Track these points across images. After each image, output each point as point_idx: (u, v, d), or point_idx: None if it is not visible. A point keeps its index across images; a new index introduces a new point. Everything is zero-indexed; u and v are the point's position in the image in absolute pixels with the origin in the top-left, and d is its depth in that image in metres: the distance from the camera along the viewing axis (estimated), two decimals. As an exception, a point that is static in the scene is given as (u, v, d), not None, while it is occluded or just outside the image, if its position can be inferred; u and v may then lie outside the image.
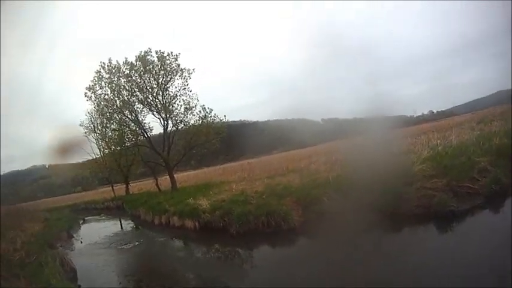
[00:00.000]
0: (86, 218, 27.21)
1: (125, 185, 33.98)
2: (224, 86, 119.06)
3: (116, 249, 12.93)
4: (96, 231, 19.26)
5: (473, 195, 9.01)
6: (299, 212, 10.36)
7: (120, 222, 22.14)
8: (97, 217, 27.86)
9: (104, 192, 40.59)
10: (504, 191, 8.92)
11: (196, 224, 12.75)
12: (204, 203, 13.32)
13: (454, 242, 7.28)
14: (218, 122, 21.80)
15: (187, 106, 21.31)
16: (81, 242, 15.71)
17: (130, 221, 21.28)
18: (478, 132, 15.10)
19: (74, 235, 18.25)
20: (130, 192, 32.43)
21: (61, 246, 13.91)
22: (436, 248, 7.03)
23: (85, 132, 30.31)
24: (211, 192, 15.35)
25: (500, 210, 8.22)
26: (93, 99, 21.58)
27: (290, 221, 10.03)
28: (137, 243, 13.67)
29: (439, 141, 14.23)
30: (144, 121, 21.86)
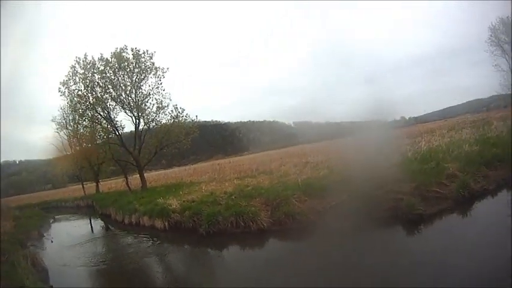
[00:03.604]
0: (56, 217, 26.49)
1: (95, 183, 33.48)
2: (197, 86, 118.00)
3: (87, 249, 12.62)
4: (67, 230, 18.84)
5: (441, 200, 9.07)
6: (268, 212, 10.25)
7: (91, 221, 21.62)
8: (67, 216, 27.08)
9: (74, 191, 39.60)
10: (472, 195, 9.09)
11: (166, 224, 12.55)
12: (174, 203, 13.14)
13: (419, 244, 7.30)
14: (190, 121, 21.87)
15: (160, 105, 21.25)
16: (52, 241, 15.31)
17: (100, 220, 20.78)
18: (449, 139, 15.44)
19: (45, 234, 17.65)
20: (100, 191, 31.90)
21: (32, 246, 13.51)
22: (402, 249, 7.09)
23: (57, 129, 29.77)
24: (181, 193, 15.15)
25: (468, 214, 8.29)
26: (66, 95, 21.00)
27: (259, 221, 9.91)
28: (108, 242, 13.41)
29: (408, 147, 14.50)
30: (116, 119, 21.56)
